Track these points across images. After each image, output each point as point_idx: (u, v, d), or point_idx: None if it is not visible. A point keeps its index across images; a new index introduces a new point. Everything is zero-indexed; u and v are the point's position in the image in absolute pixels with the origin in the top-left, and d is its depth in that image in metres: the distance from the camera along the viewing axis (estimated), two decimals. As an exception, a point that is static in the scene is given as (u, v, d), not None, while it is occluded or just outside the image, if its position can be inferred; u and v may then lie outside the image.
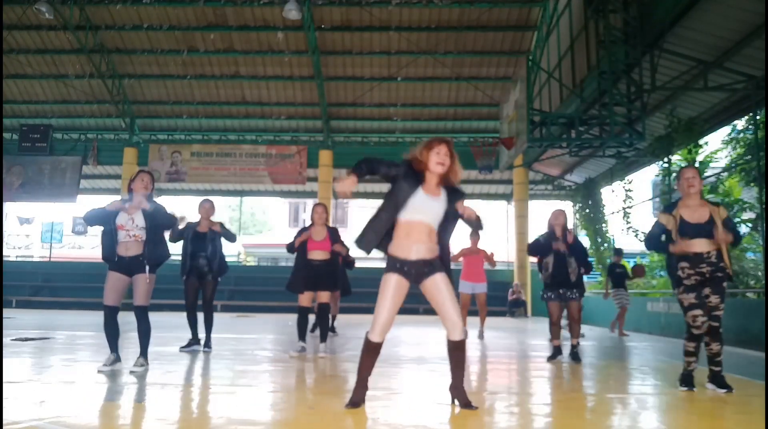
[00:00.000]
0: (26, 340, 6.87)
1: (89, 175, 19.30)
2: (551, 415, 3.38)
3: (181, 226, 5.96)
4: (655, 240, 4.33)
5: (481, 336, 8.43)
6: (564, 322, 6.37)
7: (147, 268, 4.49)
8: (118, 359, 4.56)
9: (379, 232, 3.20)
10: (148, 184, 4.67)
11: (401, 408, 3.50)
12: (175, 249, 5.67)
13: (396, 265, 3.19)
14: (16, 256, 29.54)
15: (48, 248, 24.12)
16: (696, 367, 4.20)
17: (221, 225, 6.18)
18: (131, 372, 4.39)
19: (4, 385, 3.66)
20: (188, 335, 6.12)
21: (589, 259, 6.01)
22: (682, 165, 13.51)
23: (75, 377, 4.23)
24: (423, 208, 3.17)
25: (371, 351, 3.21)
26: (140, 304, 4.54)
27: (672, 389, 4.28)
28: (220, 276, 6.18)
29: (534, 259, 6.91)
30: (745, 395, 4.16)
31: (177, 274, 6.16)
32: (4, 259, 25.17)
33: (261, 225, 42.95)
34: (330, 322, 8.76)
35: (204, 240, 6.06)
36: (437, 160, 3.19)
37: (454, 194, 3.28)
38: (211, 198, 6.44)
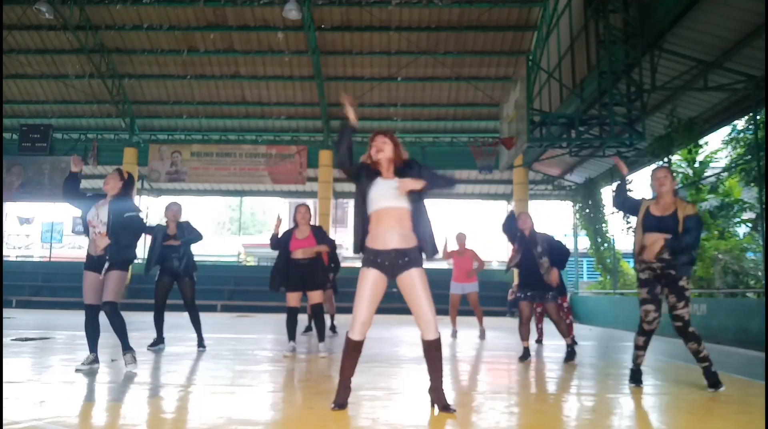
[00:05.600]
0: (26, 340, 6.88)
1: (89, 175, 19.29)
2: (551, 415, 3.38)
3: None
4: (628, 200, 4.40)
5: (482, 336, 8.41)
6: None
7: (115, 266, 4.44)
8: (96, 360, 4.59)
9: (362, 232, 3.27)
10: (117, 182, 4.63)
11: (401, 408, 3.50)
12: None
13: (371, 257, 3.21)
14: (16, 256, 29.55)
15: (48, 248, 24.10)
16: (643, 362, 4.25)
17: (187, 223, 6.28)
18: (129, 370, 4.47)
19: (4, 385, 3.66)
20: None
21: (564, 257, 5.98)
22: (683, 165, 13.55)
23: (75, 377, 4.23)
24: (385, 194, 3.22)
25: (352, 350, 3.23)
26: (108, 300, 4.46)
27: (672, 389, 4.29)
28: (194, 271, 6.21)
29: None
30: (745, 395, 4.17)
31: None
32: (4, 259, 25.18)
33: (261, 225, 42.96)
34: (330, 322, 8.78)
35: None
36: (374, 150, 3.34)
37: (407, 171, 3.29)
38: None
